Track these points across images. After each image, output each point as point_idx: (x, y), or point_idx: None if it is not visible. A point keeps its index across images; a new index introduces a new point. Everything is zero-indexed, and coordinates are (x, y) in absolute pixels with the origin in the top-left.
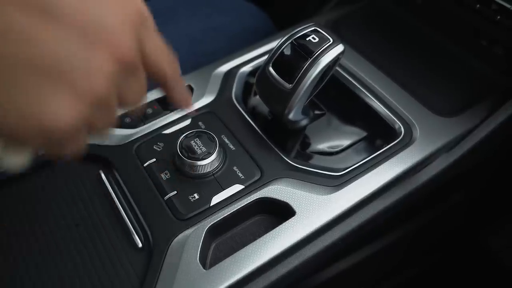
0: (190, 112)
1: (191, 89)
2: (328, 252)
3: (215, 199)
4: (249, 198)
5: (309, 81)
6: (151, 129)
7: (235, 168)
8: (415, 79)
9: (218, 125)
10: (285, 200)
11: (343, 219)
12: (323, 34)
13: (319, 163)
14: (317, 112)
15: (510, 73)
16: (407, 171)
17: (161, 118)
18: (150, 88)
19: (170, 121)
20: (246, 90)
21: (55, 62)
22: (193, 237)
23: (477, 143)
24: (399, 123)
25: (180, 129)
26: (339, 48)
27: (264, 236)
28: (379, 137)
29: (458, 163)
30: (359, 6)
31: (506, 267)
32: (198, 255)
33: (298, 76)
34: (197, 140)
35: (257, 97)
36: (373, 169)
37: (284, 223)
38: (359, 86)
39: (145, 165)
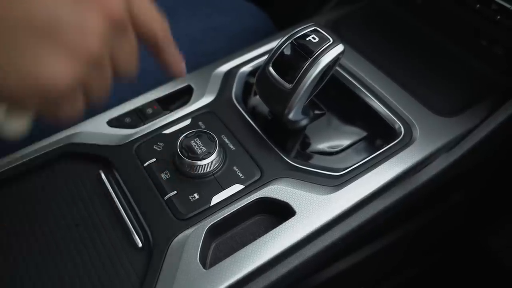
0: (181, 74)
1: (191, 89)
2: (328, 252)
3: (215, 199)
4: (249, 198)
5: (309, 81)
6: (151, 129)
7: (235, 168)
8: (415, 79)
9: (218, 125)
10: (285, 200)
11: (343, 219)
12: (323, 34)
13: (319, 163)
14: (317, 112)
15: (510, 73)
16: (407, 171)
17: (161, 118)
18: (150, 88)
19: (170, 121)
20: (246, 90)
21: (52, 24)
22: (193, 237)
23: (477, 143)
24: (399, 123)
25: (180, 129)
26: (339, 48)
27: (264, 236)
28: (379, 137)
29: (458, 163)
30: (359, 6)
31: (506, 267)
32: (198, 255)
33: (298, 76)
34: (197, 140)
35: (257, 97)
36: (373, 169)
37: (284, 223)
38: (359, 86)
39: (145, 165)
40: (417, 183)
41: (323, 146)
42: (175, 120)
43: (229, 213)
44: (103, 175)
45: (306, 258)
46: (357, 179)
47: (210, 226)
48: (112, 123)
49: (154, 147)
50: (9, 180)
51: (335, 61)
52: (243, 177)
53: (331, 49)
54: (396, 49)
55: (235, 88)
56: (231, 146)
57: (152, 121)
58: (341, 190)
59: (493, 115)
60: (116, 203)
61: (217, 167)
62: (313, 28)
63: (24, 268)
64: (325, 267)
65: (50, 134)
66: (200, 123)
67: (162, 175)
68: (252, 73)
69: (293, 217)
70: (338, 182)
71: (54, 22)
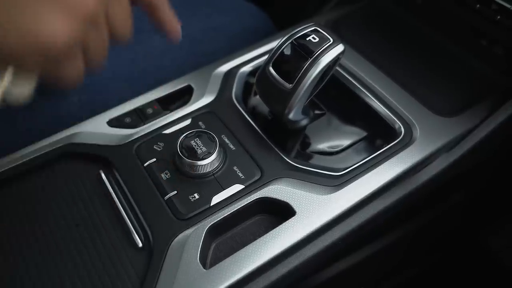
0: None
1: (191, 89)
2: (328, 252)
3: (215, 199)
4: (249, 198)
5: (309, 81)
6: (151, 129)
7: (235, 168)
8: (415, 79)
9: (218, 125)
10: (285, 200)
11: (343, 219)
12: (323, 34)
13: (319, 163)
14: (317, 112)
15: (510, 73)
16: (407, 171)
17: (161, 118)
18: (150, 88)
19: (170, 121)
20: (246, 90)
21: None
22: (193, 237)
23: (477, 143)
24: (399, 123)
25: (180, 129)
26: (339, 48)
27: (264, 236)
28: (379, 137)
29: (458, 163)
30: (359, 6)
31: (506, 267)
32: (198, 255)
33: (298, 76)
34: (197, 140)
35: (257, 97)
36: (373, 169)
37: (284, 223)
38: (359, 86)
39: (145, 165)
40: (417, 183)
41: (323, 146)
42: (175, 120)
43: (229, 213)
44: (103, 175)
45: (306, 258)
46: (357, 179)
47: (210, 226)
48: (112, 123)
49: (154, 147)
50: (9, 180)
51: (335, 61)
52: (243, 177)
53: (331, 49)
54: (396, 49)
55: (235, 88)
56: (231, 146)
57: (152, 121)
58: (341, 190)
59: (493, 115)
60: (116, 203)
61: (217, 167)
62: (313, 28)
63: (24, 268)
64: (325, 267)
65: (50, 134)
66: (200, 123)
67: (162, 175)
68: (252, 73)
69: (293, 217)
70: (338, 182)
71: None
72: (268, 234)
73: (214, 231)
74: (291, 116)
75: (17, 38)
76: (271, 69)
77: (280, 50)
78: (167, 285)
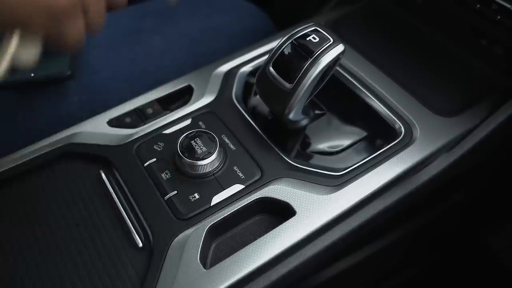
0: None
1: (191, 89)
2: (328, 252)
3: (216, 199)
4: (249, 198)
5: (309, 81)
6: (151, 129)
7: (235, 168)
8: (415, 79)
9: (218, 125)
10: (285, 200)
11: (343, 219)
12: (323, 34)
13: (319, 163)
14: (317, 112)
15: (510, 73)
16: (407, 171)
17: (161, 118)
18: (150, 88)
19: (170, 121)
20: (246, 90)
21: None
22: (194, 237)
23: (477, 143)
24: (399, 123)
25: (180, 129)
26: (340, 48)
27: (265, 236)
28: (379, 137)
29: (458, 163)
30: (359, 6)
31: (506, 267)
32: (199, 255)
33: (299, 76)
34: (197, 140)
35: (257, 97)
36: (373, 169)
37: (284, 223)
38: (359, 86)
39: (145, 165)
40: (417, 183)
41: (323, 146)
42: (175, 120)
43: (229, 213)
44: (103, 175)
45: (306, 258)
46: (357, 179)
47: (210, 226)
48: (112, 123)
49: (155, 147)
50: (9, 180)
51: (336, 61)
52: (243, 177)
53: (331, 49)
54: (396, 49)
55: (235, 88)
56: (232, 146)
57: (152, 121)
58: (341, 190)
59: (493, 115)
60: (117, 203)
61: (217, 167)
62: (313, 28)
63: (24, 268)
64: (325, 267)
65: (50, 134)
66: (200, 123)
67: (163, 175)
68: (252, 73)
69: (294, 217)
70: (338, 182)
71: None
72: (268, 234)
73: (214, 231)
74: (291, 116)
75: None
76: (271, 69)
77: (280, 50)
78: (167, 285)
